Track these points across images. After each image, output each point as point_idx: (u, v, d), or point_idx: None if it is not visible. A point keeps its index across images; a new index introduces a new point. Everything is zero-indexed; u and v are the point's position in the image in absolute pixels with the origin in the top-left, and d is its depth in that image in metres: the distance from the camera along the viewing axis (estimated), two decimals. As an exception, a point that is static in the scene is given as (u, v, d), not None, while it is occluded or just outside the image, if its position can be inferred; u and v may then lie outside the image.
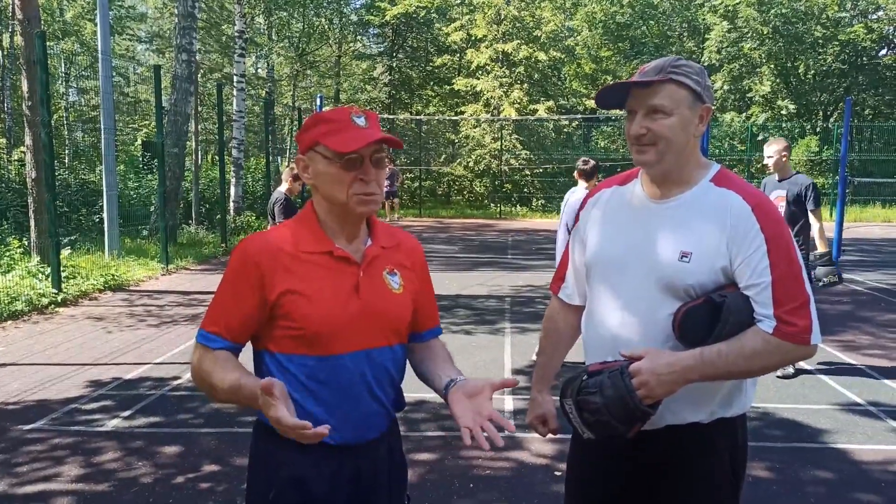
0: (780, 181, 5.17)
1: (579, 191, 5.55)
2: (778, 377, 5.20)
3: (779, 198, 5.10)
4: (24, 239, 9.33)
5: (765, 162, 5.28)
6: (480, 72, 23.54)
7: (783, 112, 23.82)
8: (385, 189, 19.35)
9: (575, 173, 5.67)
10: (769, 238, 1.51)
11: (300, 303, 1.46)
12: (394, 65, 27.26)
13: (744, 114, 24.88)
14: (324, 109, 1.62)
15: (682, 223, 1.59)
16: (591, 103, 25.62)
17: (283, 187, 6.71)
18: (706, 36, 25.50)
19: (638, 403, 1.51)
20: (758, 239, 1.51)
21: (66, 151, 23.12)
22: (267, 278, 1.46)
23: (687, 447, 1.62)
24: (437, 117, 25.69)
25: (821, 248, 5.14)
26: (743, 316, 1.52)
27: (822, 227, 5.11)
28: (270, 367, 1.52)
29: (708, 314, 1.52)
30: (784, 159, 5.14)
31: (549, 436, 1.89)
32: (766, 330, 1.50)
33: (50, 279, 7.95)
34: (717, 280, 1.55)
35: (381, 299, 1.54)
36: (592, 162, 5.64)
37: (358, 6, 28.81)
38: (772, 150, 5.15)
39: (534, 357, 5.34)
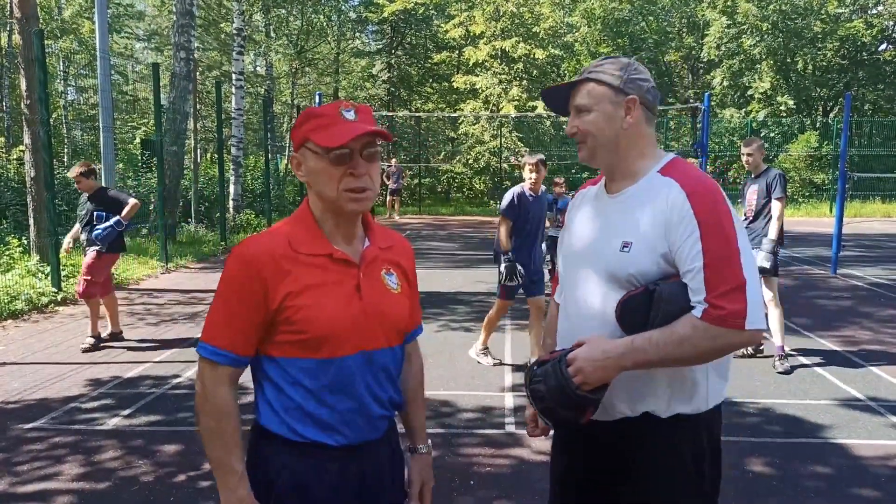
0: (755, 178, 5.55)
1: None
2: (778, 373, 5.21)
3: (753, 192, 5.50)
4: (24, 238, 9.34)
5: (744, 161, 5.62)
6: (479, 69, 23.53)
7: (782, 108, 23.81)
8: (391, 187, 19.42)
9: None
10: (702, 223, 1.50)
11: (303, 307, 1.43)
12: (392, 62, 27.23)
13: (743, 110, 24.86)
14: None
15: (626, 214, 1.62)
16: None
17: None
18: (705, 32, 25.49)
19: (574, 390, 1.54)
20: (691, 225, 1.51)
21: (66, 150, 23.11)
22: (270, 285, 1.43)
23: (645, 441, 1.62)
24: (436, 114, 25.68)
25: (771, 234, 5.31)
26: (677, 304, 1.51)
27: (780, 214, 5.34)
28: (271, 372, 1.49)
29: (644, 303, 1.54)
30: (759, 157, 5.53)
31: (549, 431, 1.90)
32: (696, 315, 1.49)
33: (49, 278, 7.95)
34: (661, 269, 1.56)
35: (381, 300, 1.54)
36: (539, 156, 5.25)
37: (356, 3, 28.77)
38: (748, 149, 5.54)
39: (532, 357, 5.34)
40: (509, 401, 4.64)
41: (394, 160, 19.93)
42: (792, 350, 5.78)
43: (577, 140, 1.69)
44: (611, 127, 1.63)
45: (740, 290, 1.47)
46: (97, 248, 5.91)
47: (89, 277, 5.91)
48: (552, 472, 1.86)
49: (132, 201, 6.00)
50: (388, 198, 19.75)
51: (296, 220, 1.53)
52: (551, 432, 1.90)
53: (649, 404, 1.60)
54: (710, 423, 1.65)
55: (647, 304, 1.53)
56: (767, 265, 5.24)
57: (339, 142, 1.42)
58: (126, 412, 4.42)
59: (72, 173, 6.07)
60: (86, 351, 5.76)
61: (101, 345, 5.91)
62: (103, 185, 6.27)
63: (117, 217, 5.91)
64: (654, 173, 1.63)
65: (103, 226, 5.88)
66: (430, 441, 1.77)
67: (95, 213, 5.97)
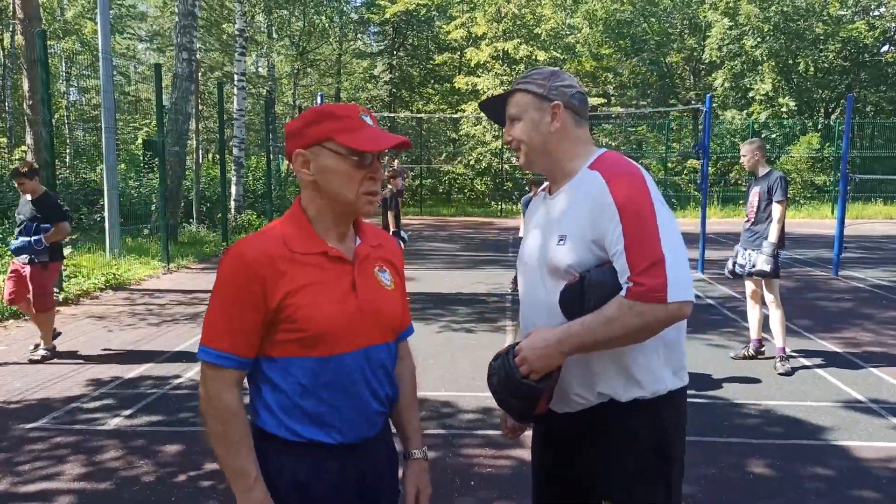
0: (756, 179, 5.52)
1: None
2: (779, 374, 5.21)
3: (755, 194, 5.47)
4: (26, 238, 9.33)
5: (741, 161, 5.63)
6: (481, 70, 23.54)
7: (784, 109, 23.79)
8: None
9: None
10: (620, 206, 1.57)
11: (301, 305, 1.44)
12: (394, 63, 27.25)
13: (745, 111, 24.85)
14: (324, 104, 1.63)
15: (561, 211, 1.72)
16: (591, 101, 25.62)
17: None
18: (707, 33, 25.48)
19: (520, 379, 1.61)
20: (611, 210, 1.58)
21: (68, 150, 23.17)
22: (269, 284, 1.43)
23: (608, 428, 1.67)
24: (437, 115, 25.69)
25: (770, 238, 5.28)
26: (607, 287, 1.57)
27: (780, 217, 5.31)
28: (270, 373, 1.49)
29: (578, 290, 1.61)
30: (756, 158, 5.47)
31: (514, 435, 1.96)
32: (622, 295, 1.55)
33: (51, 278, 7.96)
34: (596, 256, 1.62)
35: (376, 297, 1.55)
36: None
37: (358, 4, 28.83)
38: (744, 149, 5.54)
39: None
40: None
41: (396, 161, 19.94)
42: (793, 351, 5.78)
43: (512, 148, 1.79)
44: (538, 133, 1.73)
45: (658, 265, 1.52)
46: (41, 259, 5.49)
47: (42, 291, 5.55)
48: (531, 466, 1.91)
49: (64, 225, 5.57)
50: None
51: (288, 219, 1.54)
52: (528, 432, 1.93)
53: (606, 387, 1.65)
54: (672, 407, 1.69)
55: (581, 291, 1.60)
56: (767, 268, 5.23)
57: (376, 147, 1.46)
58: (127, 412, 4.43)
59: (12, 174, 5.52)
60: (35, 362, 5.46)
61: (53, 358, 5.57)
62: (48, 190, 5.80)
63: (40, 236, 5.44)
64: (584, 169, 1.71)
65: (22, 239, 5.45)
66: (425, 447, 1.74)
67: (24, 225, 5.49)
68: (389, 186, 8.33)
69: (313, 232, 1.51)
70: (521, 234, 5.20)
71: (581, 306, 1.59)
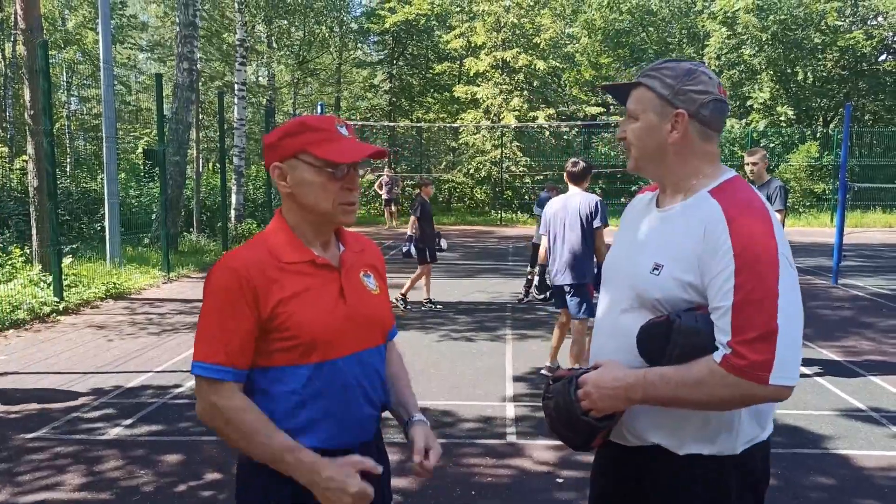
0: (758, 188, 5.44)
1: (573, 197, 5.07)
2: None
3: None
4: (26, 247, 9.34)
5: (748, 170, 5.61)
6: (480, 79, 23.62)
7: (782, 118, 23.86)
8: (384, 196, 19.46)
9: (565, 176, 5.16)
10: (738, 256, 1.34)
11: (293, 313, 1.45)
12: (394, 72, 27.34)
13: (743, 120, 24.93)
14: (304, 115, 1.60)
15: (664, 234, 1.50)
16: (591, 110, 25.71)
17: None
18: (705, 42, 25.58)
19: (580, 414, 1.48)
20: (727, 257, 1.35)
21: (68, 160, 23.22)
22: (261, 294, 1.43)
23: (661, 476, 1.50)
24: (437, 124, 25.74)
25: None
26: (698, 340, 1.38)
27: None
28: (262, 383, 1.48)
29: (663, 333, 1.41)
30: (762, 167, 5.53)
31: (550, 442, 1.87)
32: (716, 359, 1.35)
33: (51, 287, 7.96)
34: (691, 298, 1.42)
35: (364, 302, 1.57)
36: (582, 163, 5.16)
37: (358, 14, 28.96)
38: (752, 159, 5.54)
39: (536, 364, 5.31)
40: (510, 411, 4.63)
41: (386, 170, 19.92)
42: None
43: (625, 145, 1.57)
44: (653, 139, 1.50)
45: (769, 338, 1.31)
46: None
47: None
48: (589, 495, 1.77)
49: None
50: (384, 208, 19.81)
51: (273, 231, 1.55)
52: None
53: (661, 437, 1.48)
54: (742, 467, 1.47)
55: (667, 334, 1.41)
56: None
57: (351, 158, 1.46)
58: (127, 422, 4.42)
59: None
60: None
61: None
62: None
63: None
64: (703, 193, 1.47)
65: None
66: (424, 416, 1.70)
67: None
68: (422, 195, 8.16)
69: (298, 241, 1.53)
70: (534, 241, 5.22)
71: (662, 351, 1.41)
